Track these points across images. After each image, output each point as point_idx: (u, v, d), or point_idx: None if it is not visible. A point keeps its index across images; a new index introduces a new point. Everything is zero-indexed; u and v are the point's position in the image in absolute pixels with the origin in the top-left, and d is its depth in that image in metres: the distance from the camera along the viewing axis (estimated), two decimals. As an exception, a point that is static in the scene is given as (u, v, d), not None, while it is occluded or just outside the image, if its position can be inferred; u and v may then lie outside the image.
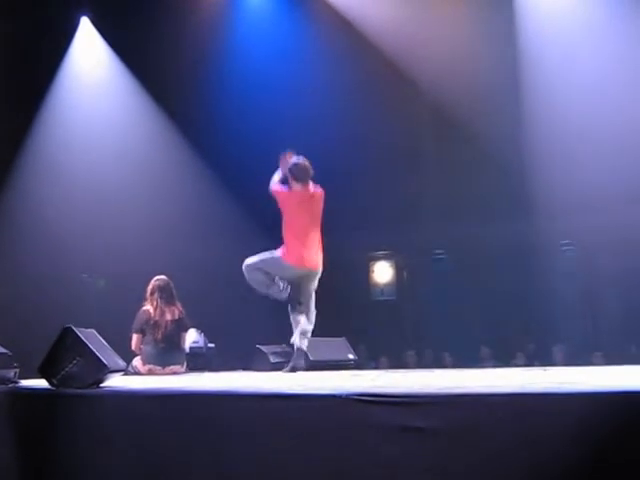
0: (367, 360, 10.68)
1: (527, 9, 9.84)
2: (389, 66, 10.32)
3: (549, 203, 9.90)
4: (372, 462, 3.60)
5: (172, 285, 7.94)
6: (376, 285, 12.84)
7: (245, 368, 8.14)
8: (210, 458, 4.14)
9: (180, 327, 7.87)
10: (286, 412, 4.01)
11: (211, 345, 8.62)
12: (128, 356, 7.73)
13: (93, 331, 5.24)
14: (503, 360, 9.57)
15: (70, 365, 4.81)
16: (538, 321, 9.99)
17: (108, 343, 5.35)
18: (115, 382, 5.13)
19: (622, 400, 3.40)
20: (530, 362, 9.25)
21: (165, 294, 7.84)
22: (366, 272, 12.80)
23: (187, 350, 8.17)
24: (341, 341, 8.08)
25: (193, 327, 8.33)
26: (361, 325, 11.16)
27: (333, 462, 3.70)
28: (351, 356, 7.97)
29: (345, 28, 10.46)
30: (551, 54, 9.60)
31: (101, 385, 4.89)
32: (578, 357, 8.99)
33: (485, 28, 9.81)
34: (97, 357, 4.83)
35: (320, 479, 3.73)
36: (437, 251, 12.21)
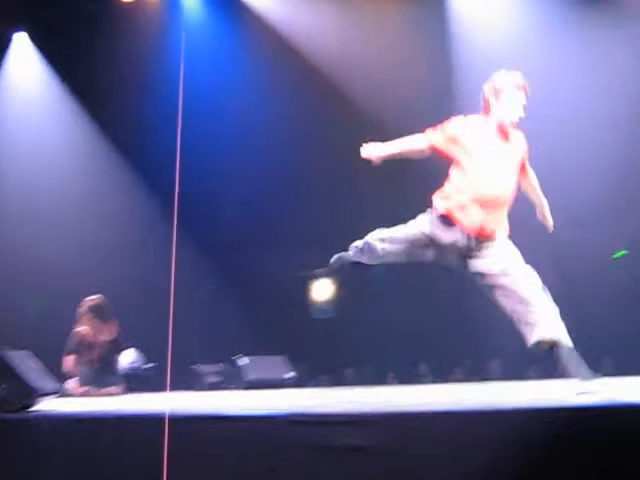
0: (307, 378, 10.65)
1: (462, 26, 9.98)
2: (328, 87, 10.36)
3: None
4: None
5: (107, 304, 7.82)
6: (316, 303, 12.84)
7: (184, 388, 8.06)
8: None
9: (116, 347, 7.76)
10: (222, 433, 3.99)
11: (150, 365, 8.50)
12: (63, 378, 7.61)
13: (26, 353, 5.14)
14: (441, 376, 9.64)
15: (-2, 389, 4.71)
16: (475, 336, 10.08)
17: (46, 365, 5.25)
18: (46, 405, 5.02)
19: (551, 415, 3.46)
20: (468, 377, 9.33)
21: (99, 314, 7.72)
22: (305, 290, 12.79)
23: (125, 371, 8.06)
24: (280, 359, 8.06)
25: (132, 347, 8.22)
26: (301, 343, 11.13)
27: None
28: (290, 375, 7.95)
29: (283, 47, 10.49)
30: (485, 71, 9.74)
31: (31, 409, 4.79)
32: (514, 371, 9.11)
33: (420, 47, 9.92)
34: (25, 381, 4.73)
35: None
36: (376, 269, 12.26)
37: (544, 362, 9.65)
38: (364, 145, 4.95)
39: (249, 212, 10.68)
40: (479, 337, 9.92)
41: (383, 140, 10.66)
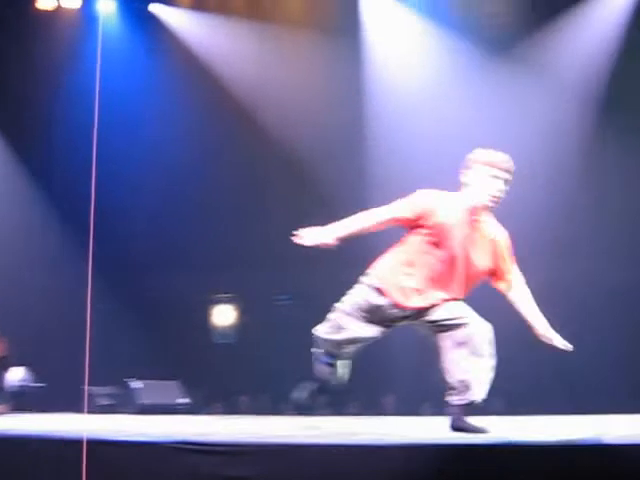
0: (201, 405, 10.52)
1: (376, 65, 10.16)
2: (238, 111, 10.37)
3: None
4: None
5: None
6: (216, 328, 12.73)
7: (74, 409, 7.85)
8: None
9: (3, 365, 7.53)
10: (106, 458, 3.90)
11: (39, 385, 8.27)
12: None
13: None
14: (337, 409, 9.66)
15: None
16: (372, 370, 10.16)
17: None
18: None
19: (434, 451, 3.50)
20: (363, 411, 9.39)
21: (-14, 332, 7.49)
22: (207, 314, 12.68)
23: (13, 389, 7.82)
24: (173, 385, 7.95)
25: (20, 365, 7.99)
26: (198, 368, 11.01)
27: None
28: (183, 400, 7.84)
29: (199, 71, 10.47)
30: (395, 108, 9.93)
31: None
32: (407, 407, 9.20)
33: (334, 79, 10.05)
34: None
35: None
36: (280, 296, 12.26)
37: (439, 398, 9.85)
38: (301, 232, 4.36)
39: (153, 230, 10.55)
40: (375, 372, 10.00)
41: (293, 169, 10.74)
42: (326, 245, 4.38)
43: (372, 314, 4.38)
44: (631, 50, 9.44)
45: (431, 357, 10.88)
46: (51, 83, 10.42)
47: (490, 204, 4.35)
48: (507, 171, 4.36)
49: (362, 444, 3.70)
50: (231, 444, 3.66)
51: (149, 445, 3.84)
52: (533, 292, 4.46)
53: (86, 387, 7.06)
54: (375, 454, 3.51)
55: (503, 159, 4.39)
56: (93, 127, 9.06)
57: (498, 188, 4.33)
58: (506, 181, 4.36)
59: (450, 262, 4.27)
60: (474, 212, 4.33)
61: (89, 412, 7.43)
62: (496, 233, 4.42)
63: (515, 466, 3.40)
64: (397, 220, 4.40)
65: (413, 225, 4.35)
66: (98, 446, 3.94)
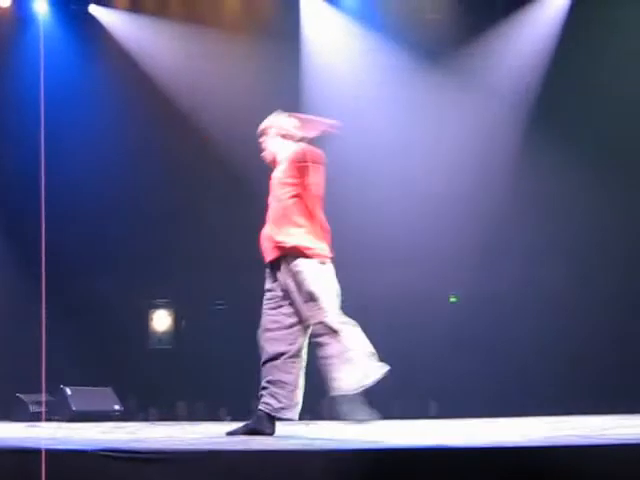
0: (136, 411, 10.40)
1: (313, 59, 10.19)
2: (174, 113, 10.31)
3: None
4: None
5: None
6: (154, 333, 12.61)
7: (4, 417, 7.70)
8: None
9: None
10: (32, 467, 3.82)
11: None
12: None
13: None
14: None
15: None
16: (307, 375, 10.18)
17: None
18: None
19: (364, 457, 3.51)
20: (300, 416, 9.34)
21: None
22: (144, 319, 12.54)
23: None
24: (107, 391, 7.84)
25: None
26: (134, 374, 10.89)
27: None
28: (117, 407, 7.74)
29: (136, 75, 10.37)
30: (330, 110, 9.98)
31: None
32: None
33: (269, 81, 10.05)
34: None
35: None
36: (217, 301, 12.19)
37: (374, 403, 9.92)
38: None
39: (87, 233, 10.41)
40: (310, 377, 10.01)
41: (228, 171, 10.68)
42: None
43: None
44: (563, 56, 9.64)
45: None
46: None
47: None
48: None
49: (291, 450, 3.69)
50: (158, 451, 3.62)
51: (76, 453, 3.78)
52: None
53: (43, 395, 6.95)
54: (305, 459, 3.51)
55: None
56: (26, 129, 8.93)
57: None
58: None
59: None
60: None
61: (22, 420, 7.30)
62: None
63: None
64: None
65: None
66: (27, 455, 3.87)
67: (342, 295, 4.78)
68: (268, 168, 10.07)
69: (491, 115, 9.68)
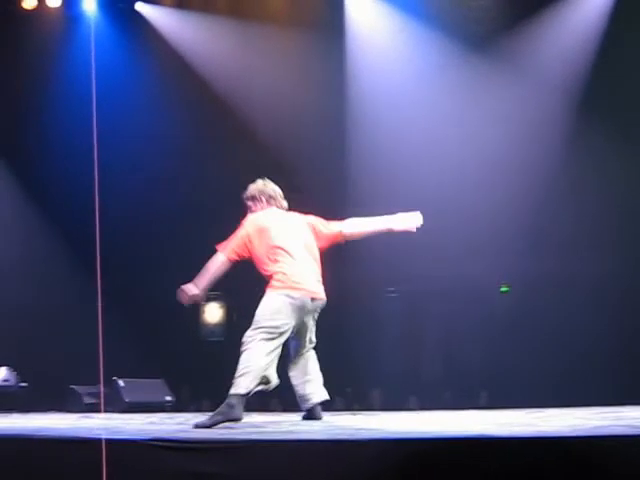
0: (189, 402, 10.54)
1: (359, 51, 10.16)
2: (218, 100, 10.37)
3: (376, 248, 10.18)
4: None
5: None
6: (206, 325, 12.74)
7: (59, 409, 7.88)
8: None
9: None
10: (84, 456, 3.93)
11: (23, 384, 8.29)
12: None
13: None
14: (323, 404, 9.67)
15: None
16: (358, 365, 10.19)
17: None
18: None
19: (410, 446, 3.52)
20: (349, 406, 9.40)
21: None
22: (197, 312, 12.69)
23: (-4, 389, 7.84)
24: (159, 382, 7.98)
25: (4, 365, 8.00)
26: (186, 366, 11.02)
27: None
28: (168, 398, 7.86)
29: (179, 62, 10.46)
30: (380, 100, 9.95)
31: None
32: (394, 401, 9.24)
33: (316, 77, 10.05)
34: None
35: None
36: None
37: (424, 393, 9.90)
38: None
39: (139, 227, 10.55)
40: (360, 366, 10.04)
41: (277, 168, 10.74)
42: (195, 298, 5.56)
43: None
44: (613, 46, 9.45)
45: (419, 352, 10.91)
46: (34, 82, 10.42)
47: None
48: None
49: (334, 439, 3.72)
50: (200, 441, 3.69)
51: (125, 442, 3.87)
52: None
53: (101, 386, 7.10)
54: (348, 449, 3.53)
55: None
56: (77, 128, 9.08)
57: None
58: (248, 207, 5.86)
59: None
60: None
61: (74, 411, 7.47)
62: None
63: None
64: (238, 254, 5.54)
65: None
66: (69, 444, 3.98)
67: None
68: (316, 162, 10.10)
69: (540, 101, 9.54)
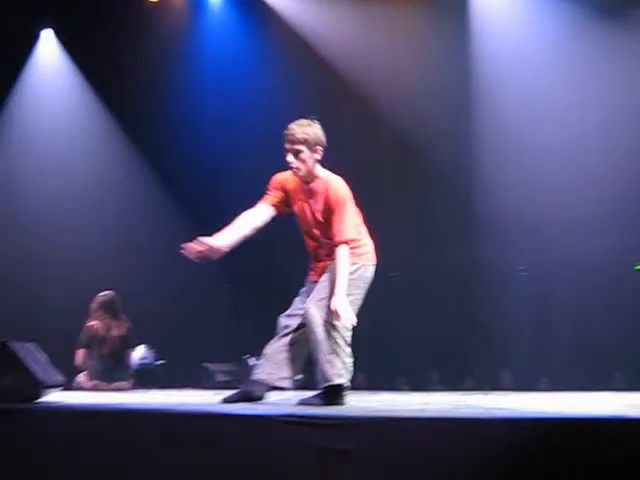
0: (315, 381, 10.65)
1: (483, 26, 9.96)
2: (340, 82, 10.39)
3: (505, 226, 10.01)
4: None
5: (118, 300, 7.93)
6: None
7: (193, 386, 8.13)
8: (141, 474, 4.15)
9: (127, 343, 7.86)
10: (217, 430, 4.04)
11: (160, 362, 8.60)
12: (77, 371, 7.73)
13: (33, 345, 5.22)
14: (451, 384, 9.62)
15: (3, 380, 4.79)
16: (488, 345, 10.06)
17: (56, 358, 5.33)
18: (52, 398, 5.11)
19: (542, 426, 3.47)
20: (478, 386, 9.31)
21: (111, 310, 7.84)
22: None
23: (135, 366, 8.15)
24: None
25: (142, 343, 8.31)
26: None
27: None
28: (298, 377, 7.96)
29: (302, 48, 10.52)
30: (506, 75, 9.73)
31: (37, 401, 4.87)
32: (525, 382, 9.08)
33: (441, 49, 9.92)
34: (31, 373, 4.81)
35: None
36: (392, 273, 12.26)
37: (556, 374, 9.68)
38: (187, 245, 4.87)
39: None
40: (490, 346, 9.92)
41: (400, 149, 10.66)
42: (215, 251, 4.85)
43: None
44: None
45: (550, 332, 10.67)
46: (160, 70, 10.72)
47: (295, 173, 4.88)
48: (286, 141, 4.89)
49: (467, 417, 3.70)
50: (334, 417, 3.74)
51: (258, 417, 3.95)
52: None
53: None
54: (480, 426, 3.51)
55: (285, 132, 4.89)
56: (204, 117, 9.20)
57: (288, 160, 4.87)
58: (288, 150, 4.87)
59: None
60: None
61: (209, 388, 7.68)
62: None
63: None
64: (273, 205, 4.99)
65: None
66: (204, 418, 4.10)
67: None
68: (442, 144, 9.98)
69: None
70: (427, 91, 9.76)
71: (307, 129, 4.92)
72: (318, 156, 4.93)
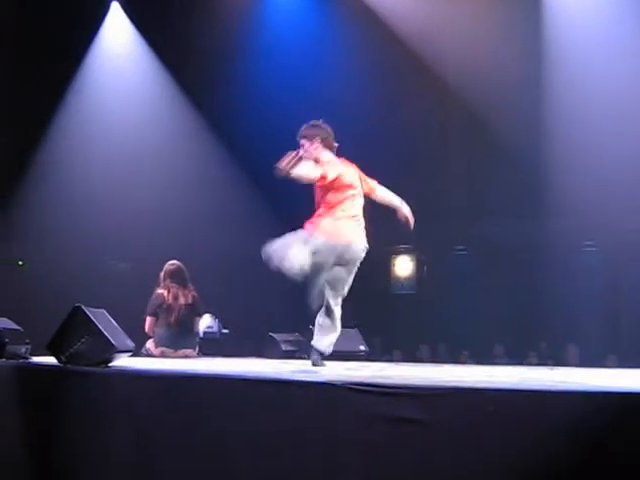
0: (381, 352, 10.72)
1: (554, 5, 9.79)
2: (412, 60, 10.31)
3: (572, 202, 9.87)
4: (359, 450, 3.66)
5: (185, 270, 8.02)
6: (397, 279, 12.86)
7: (258, 355, 8.20)
8: (206, 439, 4.23)
9: (193, 312, 7.96)
10: (280, 397, 4.10)
11: (225, 331, 8.68)
12: (144, 338, 7.87)
13: (103, 311, 5.34)
14: (516, 358, 9.57)
15: (78, 343, 4.91)
16: (554, 320, 9.97)
17: (125, 325, 5.44)
18: (123, 362, 5.23)
19: (612, 401, 3.43)
20: (543, 361, 9.25)
21: (178, 279, 7.93)
22: (388, 265, 12.82)
23: (201, 335, 8.26)
24: (353, 332, 8.09)
25: (208, 312, 8.40)
26: (378, 317, 11.20)
27: (321, 447, 3.77)
28: (362, 347, 7.98)
29: (372, 22, 10.48)
30: (577, 51, 9.55)
31: (108, 364, 4.99)
32: (592, 358, 8.98)
33: (510, 23, 9.78)
34: (105, 337, 4.92)
35: (308, 462, 3.81)
36: (458, 247, 12.21)
37: (623, 351, 9.54)
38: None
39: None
40: (556, 321, 9.82)
41: (471, 124, 10.51)
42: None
43: None
44: None
45: (618, 308, 10.51)
46: (225, 42, 10.78)
47: None
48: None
49: (534, 389, 3.67)
50: (403, 387, 3.75)
51: (325, 385, 3.99)
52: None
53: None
54: (548, 399, 3.49)
55: None
56: (273, 100, 9.16)
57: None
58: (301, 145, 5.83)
59: None
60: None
61: (274, 357, 7.76)
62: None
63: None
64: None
65: None
66: (268, 385, 4.15)
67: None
68: (500, 110, 9.83)
69: None
70: (497, 71, 9.65)
71: None
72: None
